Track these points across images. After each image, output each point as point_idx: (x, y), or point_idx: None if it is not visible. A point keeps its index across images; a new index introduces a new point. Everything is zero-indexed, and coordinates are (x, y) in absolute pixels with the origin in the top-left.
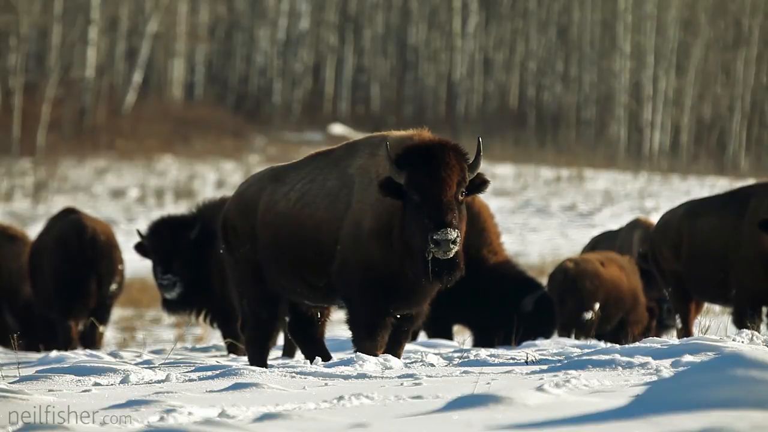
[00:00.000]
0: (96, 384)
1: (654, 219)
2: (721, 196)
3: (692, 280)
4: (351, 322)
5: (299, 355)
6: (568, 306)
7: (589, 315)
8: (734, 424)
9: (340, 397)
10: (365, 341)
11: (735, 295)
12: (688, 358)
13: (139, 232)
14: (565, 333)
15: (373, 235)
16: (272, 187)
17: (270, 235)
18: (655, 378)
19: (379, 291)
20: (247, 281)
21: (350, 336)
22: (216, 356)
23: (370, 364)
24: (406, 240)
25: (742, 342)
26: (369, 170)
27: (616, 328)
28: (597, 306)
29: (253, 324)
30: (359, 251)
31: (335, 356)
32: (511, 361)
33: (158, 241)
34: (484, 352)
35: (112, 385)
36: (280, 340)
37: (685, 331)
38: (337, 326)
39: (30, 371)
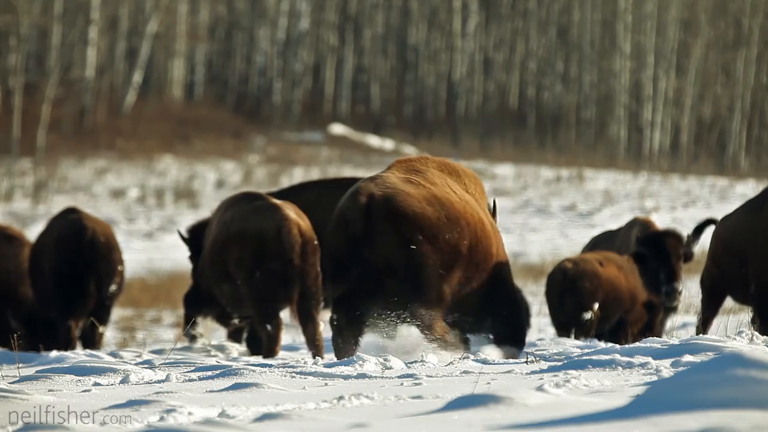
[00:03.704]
0: (96, 384)
1: (654, 219)
2: (755, 197)
3: (721, 277)
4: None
5: (299, 355)
6: (567, 306)
7: (588, 315)
8: (734, 424)
9: (340, 397)
10: None
11: (754, 291)
12: (688, 358)
13: (180, 233)
14: (564, 333)
15: None
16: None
17: None
18: (655, 378)
19: None
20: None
21: None
22: (216, 356)
23: (370, 364)
24: None
25: (742, 342)
26: None
27: (616, 327)
28: (596, 306)
29: None
30: None
31: (335, 356)
32: (511, 361)
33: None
34: (484, 353)
35: (112, 385)
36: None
37: (703, 332)
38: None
39: (30, 371)
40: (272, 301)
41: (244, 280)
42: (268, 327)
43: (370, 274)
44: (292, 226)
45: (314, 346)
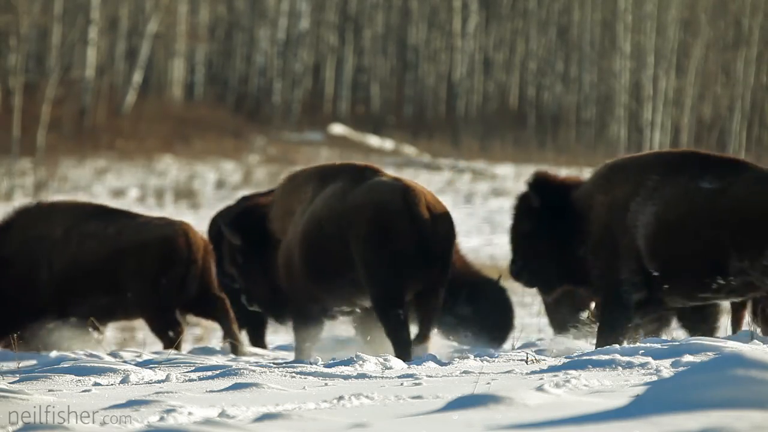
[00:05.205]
0: (96, 384)
1: None
2: None
3: None
4: None
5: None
6: (565, 306)
7: (586, 314)
8: (734, 424)
9: (340, 397)
10: None
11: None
12: (688, 358)
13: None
14: (563, 333)
15: None
16: None
17: None
18: (655, 378)
19: None
20: None
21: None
22: (216, 356)
23: (370, 364)
24: None
25: (742, 342)
26: None
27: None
28: (594, 305)
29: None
30: None
31: (335, 356)
32: (511, 361)
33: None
34: (484, 353)
35: (112, 385)
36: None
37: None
38: (337, 326)
39: (30, 371)
40: (171, 307)
41: (146, 288)
42: (171, 333)
43: (431, 264)
44: (195, 231)
45: (235, 338)
